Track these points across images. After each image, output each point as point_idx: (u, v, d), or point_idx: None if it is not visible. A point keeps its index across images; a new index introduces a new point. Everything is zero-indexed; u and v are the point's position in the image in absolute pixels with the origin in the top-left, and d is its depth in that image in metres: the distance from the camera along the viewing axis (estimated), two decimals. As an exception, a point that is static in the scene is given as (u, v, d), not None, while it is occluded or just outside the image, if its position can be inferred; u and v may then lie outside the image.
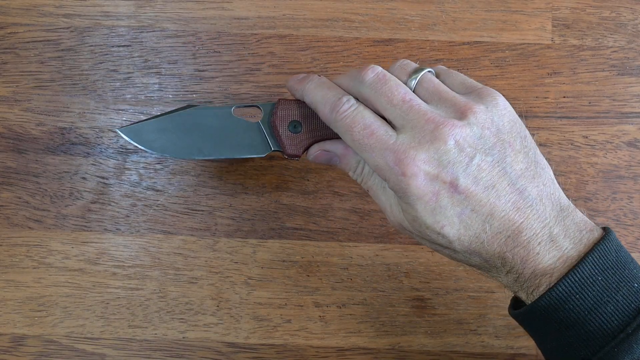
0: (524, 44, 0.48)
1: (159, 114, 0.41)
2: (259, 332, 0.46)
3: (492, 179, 0.30)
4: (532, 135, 0.34)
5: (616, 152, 0.47)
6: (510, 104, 0.34)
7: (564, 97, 0.48)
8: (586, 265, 0.30)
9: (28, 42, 0.48)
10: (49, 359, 0.46)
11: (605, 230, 0.32)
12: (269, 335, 0.46)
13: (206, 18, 0.48)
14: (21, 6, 0.48)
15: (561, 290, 0.30)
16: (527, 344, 0.46)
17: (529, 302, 0.31)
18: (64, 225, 0.47)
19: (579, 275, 0.30)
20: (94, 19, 0.48)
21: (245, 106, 0.40)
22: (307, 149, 0.39)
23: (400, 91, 0.32)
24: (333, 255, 0.47)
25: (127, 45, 0.48)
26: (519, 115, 0.33)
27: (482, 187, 0.30)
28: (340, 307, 0.46)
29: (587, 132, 0.47)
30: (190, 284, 0.46)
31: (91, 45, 0.48)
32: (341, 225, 0.47)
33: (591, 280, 0.30)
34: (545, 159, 0.34)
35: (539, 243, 0.31)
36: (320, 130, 0.37)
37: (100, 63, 0.48)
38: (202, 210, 0.47)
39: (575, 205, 0.33)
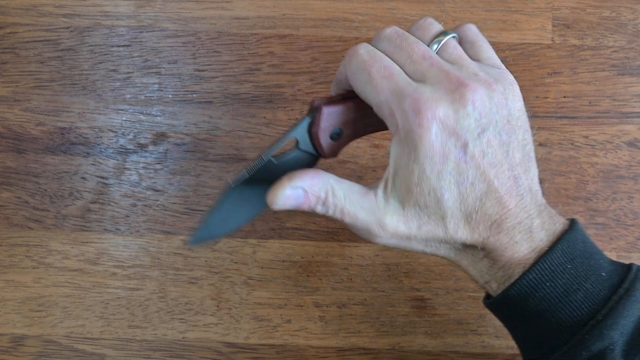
0: (524, 43, 0.48)
1: (210, 208, 0.38)
2: (259, 332, 0.46)
3: (496, 158, 0.30)
4: (532, 132, 0.34)
5: (616, 152, 0.47)
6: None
7: (564, 97, 0.48)
8: (556, 254, 0.30)
9: (28, 41, 0.48)
10: (48, 359, 0.46)
11: (572, 221, 0.32)
12: (269, 335, 0.46)
13: (206, 18, 0.48)
14: (21, 6, 0.48)
15: (532, 277, 0.30)
16: (527, 344, 0.46)
17: (500, 292, 0.32)
18: (64, 225, 0.47)
19: (549, 263, 0.30)
20: (94, 18, 0.48)
21: (281, 146, 0.37)
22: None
23: (420, 48, 0.31)
24: (333, 255, 0.47)
25: (127, 45, 0.48)
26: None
27: (487, 161, 0.30)
28: (340, 307, 0.46)
29: (587, 132, 0.47)
30: (190, 284, 0.46)
31: (91, 45, 0.48)
32: (341, 225, 0.47)
33: (561, 269, 0.30)
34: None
35: (520, 232, 0.31)
36: (359, 131, 0.37)
37: (100, 63, 0.48)
38: (202, 210, 0.47)
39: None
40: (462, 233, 0.31)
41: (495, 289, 0.32)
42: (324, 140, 0.34)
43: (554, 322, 0.30)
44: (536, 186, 0.32)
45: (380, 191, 0.32)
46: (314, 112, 0.34)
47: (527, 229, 0.31)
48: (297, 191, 0.32)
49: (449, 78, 0.30)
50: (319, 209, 0.33)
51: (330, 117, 0.34)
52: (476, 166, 0.30)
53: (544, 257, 0.30)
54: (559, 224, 0.32)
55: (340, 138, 0.35)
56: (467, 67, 0.31)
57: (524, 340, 0.33)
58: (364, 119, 0.35)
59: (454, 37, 0.33)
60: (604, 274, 0.30)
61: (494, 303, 0.32)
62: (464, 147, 0.29)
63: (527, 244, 0.31)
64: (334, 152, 0.36)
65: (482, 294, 0.46)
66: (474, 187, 0.30)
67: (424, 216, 0.31)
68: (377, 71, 0.30)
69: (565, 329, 0.30)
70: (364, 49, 0.31)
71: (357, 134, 0.36)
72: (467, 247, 0.32)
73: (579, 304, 0.30)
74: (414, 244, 0.32)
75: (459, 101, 0.29)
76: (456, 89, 0.29)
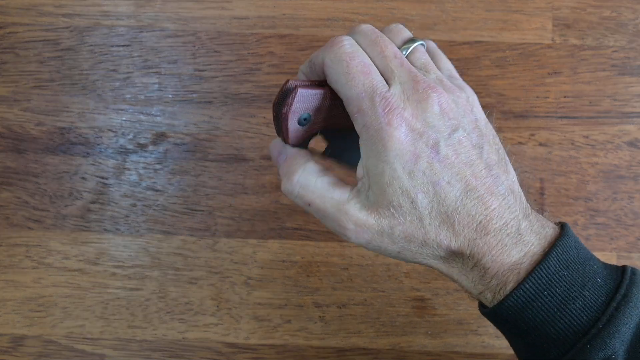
0: (524, 43, 0.48)
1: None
2: (259, 332, 0.46)
3: (470, 157, 0.30)
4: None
5: (617, 152, 0.47)
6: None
7: (565, 96, 0.48)
8: (551, 261, 0.30)
9: (27, 41, 0.48)
10: (48, 359, 0.46)
11: (562, 225, 0.32)
12: (269, 335, 0.46)
13: (206, 18, 0.48)
14: (21, 6, 0.48)
15: (529, 287, 0.29)
16: (527, 344, 0.46)
17: (496, 303, 0.31)
18: (64, 225, 0.47)
19: (545, 271, 0.29)
20: (94, 18, 0.48)
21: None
22: (308, 141, 0.38)
23: (392, 47, 0.32)
24: (333, 255, 0.47)
25: (127, 45, 0.48)
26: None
27: (461, 160, 0.30)
28: (340, 307, 0.46)
29: (587, 132, 0.47)
30: (190, 284, 0.46)
31: (91, 45, 0.48)
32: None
33: (558, 276, 0.29)
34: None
35: (508, 234, 0.30)
36: (326, 121, 0.36)
37: (100, 63, 0.48)
38: (202, 210, 0.47)
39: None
40: (445, 236, 0.30)
41: (490, 299, 0.31)
42: (292, 123, 0.34)
43: (552, 333, 0.30)
44: (518, 189, 0.32)
45: (354, 188, 0.32)
46: (286, 92, 0.34)
47: (515, 231, 0.30)
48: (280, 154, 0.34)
49: (416, 80, 0.30)
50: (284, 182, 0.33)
51: (303, 100, 0.34)
52: (450, 165, 0.30)
53: (539, 265, 0.30)
54: (548, 227, 0.31)
55: (307, 124, 0.35)
56: (433, 73, 0.32)
57: (523, 351, 0.32)
58: (332, 109, 0.34)
59: (422, 44, 0.34)
60: (599, 279, 0.30)
61: (490, 313, 0.32)
62: (435, 146, 0.29)
63: (518, 248, 0.30)
64: (298, 140, 0.35)
65: (482, 294, 0.46)
66: (451, 186, 0.30)
67: (399, 217, 0.30)
68: (355, 65, 0.31)
69: (565, 339, 0.30)
70: (348, 41, 0.32)
71: (323, 123, 0.35)
72: (455, 255, 0.31)
73: (578, 313, 0.29)
74: (387, 245, 0.31)
75: (427, 100, 0.30)
76: (424, 91, 0.30)
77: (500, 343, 0.46)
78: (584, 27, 0.48)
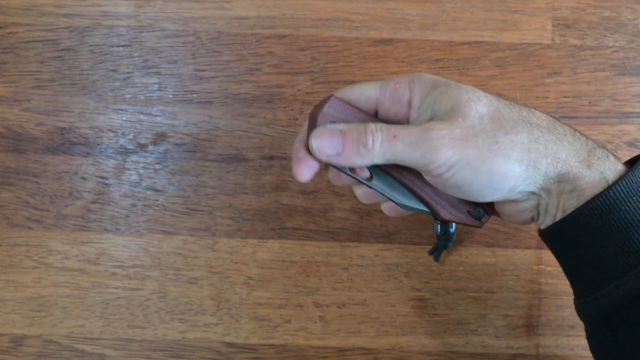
0: (524, 43, 0.48)
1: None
2: (259, 332, 0.46)
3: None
4: None
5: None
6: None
7: (564, 97, 0.48)
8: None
9: (28, 41, 0.48)
10: (48, 359, 0.46)
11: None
12: (269, 335, 0.46)
13: (206, 18, 0.48)
14: (21, 6, 0.48)
15: (621, 188, 0.31)
16: (527, 344, 0.46)
17: (582, 204, 0.31)
18: (64, 225, 0.47)
19: (637, 177, 0.31)
20: (94, 18, 0.48)
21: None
22: None
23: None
24: (333, 255, 0.47)
25: (127, 45, 0.48)
26: None
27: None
28: (340, 307, 0.46)
29: (587, 132, 0.47)
30: (190, 284, 0.46)
31: (91, 45, 0.48)
32: (341, 225, 0.47)
33: None
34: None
35: (596, 157, 0.32)
36: None
37: (100, 63, 0.48)
38: (202, 210, 0.47)
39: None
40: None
41: (574, 205, 0.32)
42: (319, 125, 0.35)
43: (634, 238, 0.30)
44: None
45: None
46: (323, 99, 0.35)
47: (601, 153, 0.32)
48: (332, 130, 0.34)
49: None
50: (361, 150, 0.33)
51: (335, 108, 0.35)
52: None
53: (630, 171, 0.31)
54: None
55: None
56: None
57: (583, 268, 0.33)
58: None
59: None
60: None
61: (567, 220, 0.32)
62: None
63: (609, 164, 0.32)
64: None
65: (482, 294, 0.46)
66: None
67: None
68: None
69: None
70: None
71: None
72: (556, 183, 0.32)
73: None
74: (478, 165, 0.32)
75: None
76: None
77: (500, 343, 0.46)
78: (583, 27, 0.48)
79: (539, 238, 0.47)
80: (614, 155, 0.33)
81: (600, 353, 0.34)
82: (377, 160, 0.33)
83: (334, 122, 0.35)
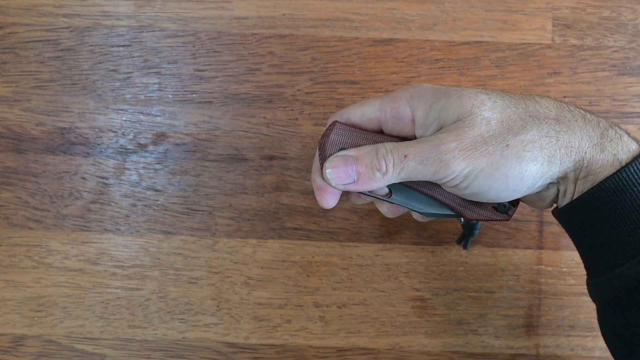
0: (524, 43, 0.48)
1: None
2: (259, 332, 0.46)
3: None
4: None
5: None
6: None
7: (565, 97, 0.48)
8: None
9: (28, 42, 0.48)
10: (48, 359, 0.46)
11: None
12: (269, 335, 0.46)
13: (206, 18, 0.48)
14: (21, 6, 0.48)
15: (634, 169, 0.30)
16: (527, 344, 0.46)
17: (603, 178, 0.31)
18: (64, 225, 0.47)
19: None
20: (94, 18, 0.48)
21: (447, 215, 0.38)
22: None
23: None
24: (333, 255, 0.47)
25: (127, 45, 0.48)
26: None
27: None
28: (340, 307, 0.46)
29: (587, 132, 0.47)
30: (190, 284, 0.46)
31: (91, 45, 0.48)
32: (341, 225, 0.47)
33: None
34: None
35: (609, 139, 0.32)
36: None
37: (100, 63, 0.48)
38: (202, 210, 0.47)
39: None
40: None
41: (590, 183, 0.32)
42: (330, 153, 0.34)
43: None
44: None
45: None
46: (328, 127, 0.35)
47: (609, 135, 0.32)
48: (344, 157, 0.34)
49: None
50: (376, 175, 0.33)
51: (341, 133, 0.35)
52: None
53: None
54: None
55: None
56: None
57: (605, 245, 0.32)
58: None
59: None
60: None
61: (589, 196, 0.32)
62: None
63: (616, 143, 0.32)
64: None
65: (482, 294, 0.46)
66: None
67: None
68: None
69: None
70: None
71: None
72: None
73: None
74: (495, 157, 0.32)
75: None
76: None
77: (500, 343, 0.46)
78: (583, 27, 0.48)
79: (539, 238, 0.47)
80: (627, 134, 0.33)
81: (611, 334, 0.34)
82: (393, 180, 0.33)
83: (343, 148, 0.35)
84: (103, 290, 0.46)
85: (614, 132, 0.32)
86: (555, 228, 0.47)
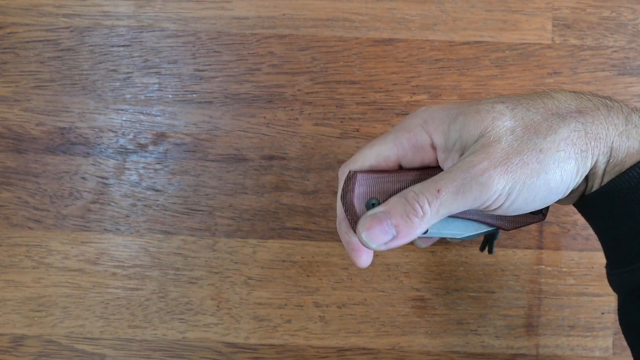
0: (524, 43, 0.48)
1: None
2: (259, 332, 0.46)
3: None
4: None
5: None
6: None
7: (564, 97, 0.48)
8: None
9: (28, 42, 0.48)
10: (48, 359, 0.46)
11: None
12: (269, 335, 0.46)
13: (206, 18, 0.48)
14: (21, 6, 0.48)
15: None
16: (526, 344, 0.46)
17: (625, 169, 0.30)
18: (64, 225, 0.47)
19: None
20: (94, 18, 0.48)
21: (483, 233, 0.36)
22: None
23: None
24: (333, 255, 0.47)
25: (127, 45, 0.48)
26: None
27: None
28: (340, 307, 0.46)
29: (587, 132, 0.47)
30: (190, 284, 0.46)
31: (91, 45, 0.48)
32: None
33: None
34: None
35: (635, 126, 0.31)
36: None
37: (100, 63, 0.48)
38: (202, 210, 0.47)
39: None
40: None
41: (616, 172, 0.31)
42: (360, 210, 0.32)
43: None
44: None
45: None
46: (347, 180, 0.33)
47: (633, 120, 0.31)
48: (375, 216, 0.31)
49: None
50: (415, 222, 0.31)
51: (365, 183, 0.33)
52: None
53: None
54: None
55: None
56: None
57: (629, 237, 0.31)
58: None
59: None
60: None
61: (611, 186, 0.31)
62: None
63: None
64: None
65: (482, 294, 0.46)
66: None
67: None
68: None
69: None
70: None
71: None
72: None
73: None
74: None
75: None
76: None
77: (500, 343, 0.46)
78: (583, 27, 0.48)
79: (539, 238, 0.47)
80: None
81: (631, 325, 0.33)
82: (434, 220, 0.31)
83: (371, 198, 0.32)
84: (103, 290, 0.46)
85: (637, 117, 0.31)
86: (555, 228, 0.47)
